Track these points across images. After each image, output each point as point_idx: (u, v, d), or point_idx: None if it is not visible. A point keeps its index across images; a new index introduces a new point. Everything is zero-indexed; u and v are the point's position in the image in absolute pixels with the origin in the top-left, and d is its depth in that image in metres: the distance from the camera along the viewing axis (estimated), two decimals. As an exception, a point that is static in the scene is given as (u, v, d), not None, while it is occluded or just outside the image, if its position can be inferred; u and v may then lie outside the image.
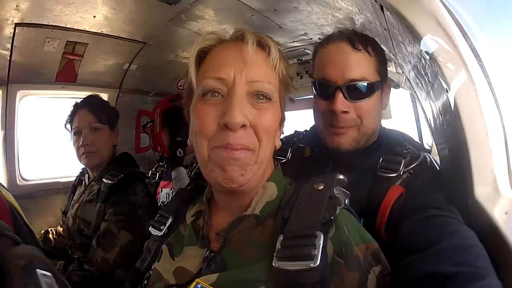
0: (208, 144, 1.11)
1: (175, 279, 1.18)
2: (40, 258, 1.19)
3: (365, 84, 1.57)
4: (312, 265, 0.93)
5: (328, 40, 1.69)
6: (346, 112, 1.58)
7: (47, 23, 2.79)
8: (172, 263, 1.24)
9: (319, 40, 1.81)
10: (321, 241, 0.96)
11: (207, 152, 1.11)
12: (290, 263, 0.96)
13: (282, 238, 1.02)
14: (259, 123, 1.11)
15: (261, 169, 1.16)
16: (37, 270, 1.09)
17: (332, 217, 1.04)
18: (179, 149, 3.41)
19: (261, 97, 1.13)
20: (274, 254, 1.00)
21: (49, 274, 1.11)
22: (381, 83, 1.65)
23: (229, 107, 1.06)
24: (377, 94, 1.63)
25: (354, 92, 1.57)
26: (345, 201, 1.13)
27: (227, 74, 1.11)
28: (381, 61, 1.67)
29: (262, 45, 1.18)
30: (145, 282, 1.32)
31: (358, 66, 1.58)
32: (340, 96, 1.57)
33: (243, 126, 1.07)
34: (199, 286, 1.05)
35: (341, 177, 1.15)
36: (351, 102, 1.58)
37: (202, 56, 1.22)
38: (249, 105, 1.11)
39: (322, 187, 1.12)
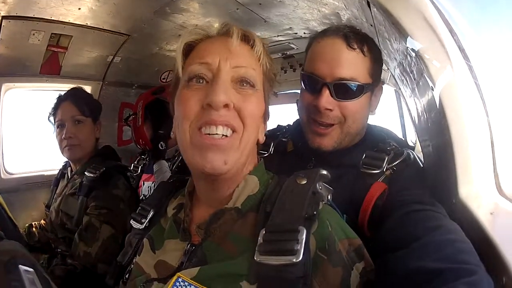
0: (190, 125, 1.11)
1: (156, 273, 1.18)
2: (23, 254, 1.18)
3: (354, 84, 1.55)
4: (294, 260, 0.92)
5: (323, 34, 1.67)
6: (330, 109, 1.57)
7: (32, 16, 2.75)
8: (153, 257, 1.23)
9: (304, 35, 1.80)
10: (304, 236, 0.95)
11: (188, 135, 1.11)
12: (272, 257, 0.96)
13: (264, 232, 1.02)
14: (243, 107, 1.12)
15: (243, 157, 1.16)
16: (20, 266, 1.08)
17: (315, 212, 1.04)
18: (161, 142, 3.41)
19: (244, 84, 1.15)
20: (256, 248, 1.00)
21: (31, 270, 1.10)
22: (372, 86, 1.64)
23: (213, 89, 1.07)
24: (365, 96, 1.61)
25: (341, 91, 1.56)
26: (328, 197, 1.13)
27: (213, 60, 1.13)
28: (376, 63, 1.65)
29: (247, 39, 1.20)
30: (127, 276, 1.31)
31: (349, 65, 1.56)
32: (326, 93, 1.55)
33: (226, 106, 1.07)
34: (180, 280, 1.04)
35: (324, 172, 1.15)
36: (336, 101, 1.57)
37: (188, 49, 1.23)
38: (233, 90, 1.12)
39: (305, 182, 1.12)
